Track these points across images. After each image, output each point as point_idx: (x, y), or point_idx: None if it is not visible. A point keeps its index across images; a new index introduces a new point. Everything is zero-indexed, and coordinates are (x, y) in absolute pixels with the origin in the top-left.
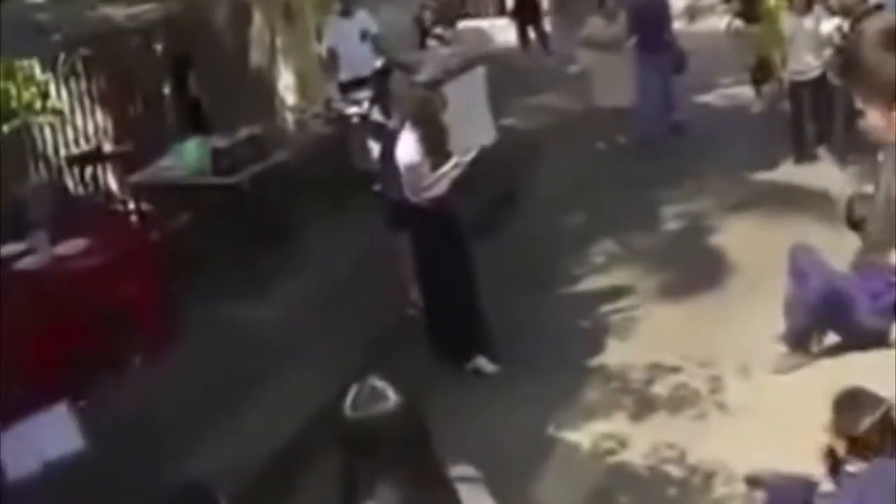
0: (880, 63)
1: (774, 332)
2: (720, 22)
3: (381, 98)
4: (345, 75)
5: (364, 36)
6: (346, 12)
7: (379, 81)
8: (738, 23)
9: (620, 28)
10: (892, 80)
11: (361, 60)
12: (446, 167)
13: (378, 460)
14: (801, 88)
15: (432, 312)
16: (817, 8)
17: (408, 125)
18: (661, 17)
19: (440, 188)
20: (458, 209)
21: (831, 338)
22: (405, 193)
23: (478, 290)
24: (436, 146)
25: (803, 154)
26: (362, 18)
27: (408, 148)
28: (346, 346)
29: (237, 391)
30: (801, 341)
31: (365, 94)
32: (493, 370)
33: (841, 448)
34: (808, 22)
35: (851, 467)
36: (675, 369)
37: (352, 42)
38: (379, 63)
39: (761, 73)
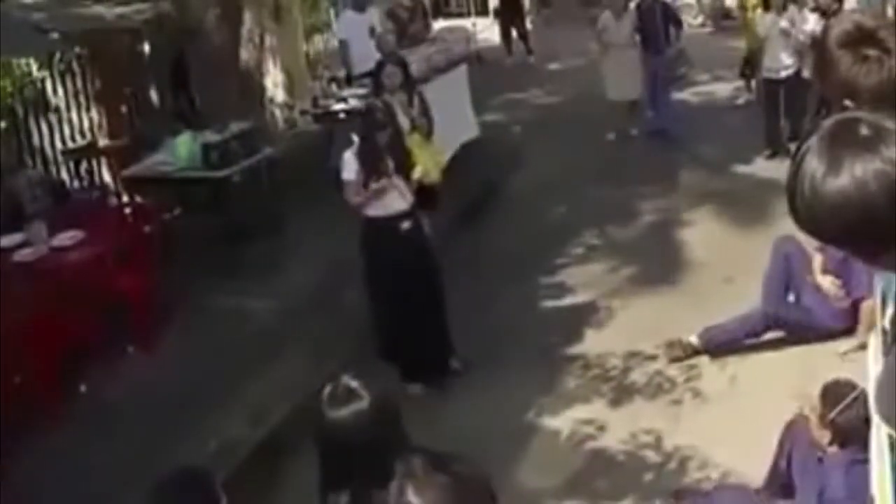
0: (836, 60)
1: None
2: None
3: (378, 92)
4: (353, 70)
5: (372, 31)
6: (360, 7)
7: (375, 77)
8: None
9: (629, 25)
10: (847, 78)
11: (370, 54)
12: (380, 184)
13: (350, 459)
14: (776, 85)
15: (383, 335)
16: (791, 7)
17: (355, 136)
18: (663, 18)
19: (380, 208)
20: (413, 230)
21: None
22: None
23: (433, 311)
24: (374, 162)
25: (777, 149)
26: (373, 14)
27: (346, 161)
28: (333, 337)
29: (227, 379)
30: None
31: (352, 91)
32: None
33: (825, 437)
34: (783, 21)
35: (834, 455)
36: (652, 357)
37: (363, 37)
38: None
39: (748, 67)
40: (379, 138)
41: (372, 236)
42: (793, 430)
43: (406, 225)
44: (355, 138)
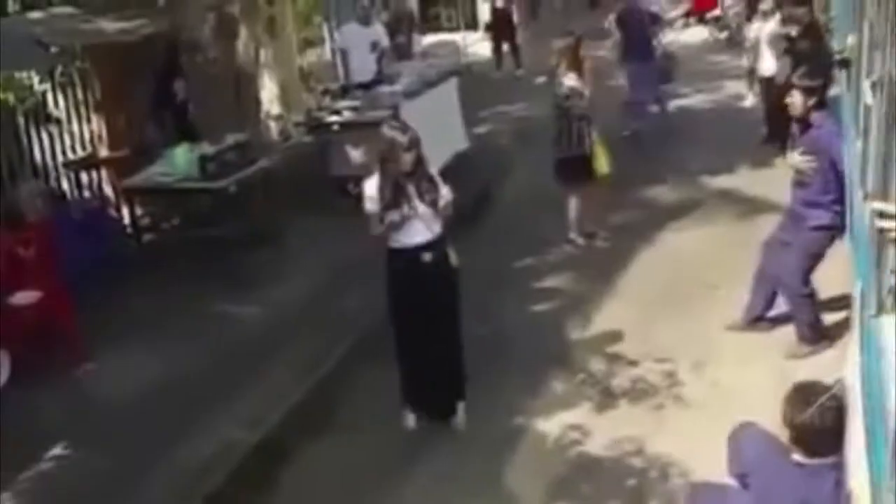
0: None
1: (734, 333)
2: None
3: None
4: (350, 80)
5: (374, 46)
6: (365, 21)
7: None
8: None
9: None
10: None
11: (366, 68)
12: (398, 215)
13: None
14: (769, 84)
15: (404, 364)
16: (776, 16)
17: (371, 168)
18: (648, 26)
19: (409, 236)
20: (438, 259)
21: (786, 333)
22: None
23: (457, 341)
24: (394, 189)
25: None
26: (377, 30)
27: (367, 190)
28: (326, 344)
29: (224, 384)
30: (757, 311)
31: (346, 103)
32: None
33: (786, 437)
34: (768, 27)
35: (797, 456)
36: (634, 363)
37: (363, 49)
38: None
39: (751, 73)
40: (398, 165)
41: (393, 268)
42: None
43: (427, 258)
44: (369, 163)
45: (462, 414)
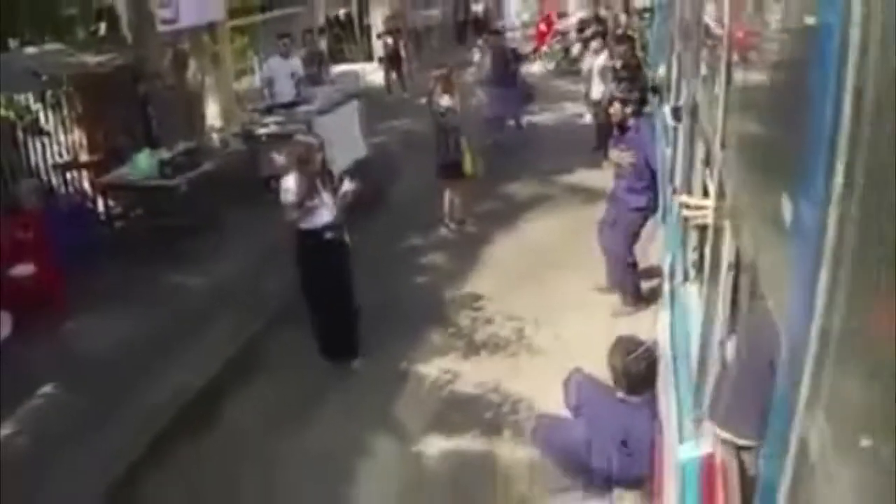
0: None
1: (575, 295)
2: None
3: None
4: (275, 101)
5: (293, 75)
6: (285, 55)
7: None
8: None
9: (487, 64)
10: None
11: (287, 92)
12: (313, 203)
13: None
14: (598, 105)
15: (314, 319)
16: (606, 52)
17: (292, 169)
18: (511, 59)
19: (317, 220)
20: (336, 238)
21: (613, 297)
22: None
23: (352, 300)
24: (309, 185)
25: (598, 157)
26: (295, 62)
27: (287, 188)
28: (255, 308)
29: (175, 340)
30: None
31: (275, 118)
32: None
33: (611, 378)
34: (598, 61)
35: (620, 394)
36: (491, 321)
37: (284, 77)
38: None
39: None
40: (311, 166)
41: (304, 245)
42: (584, 378)
43: (329, 236)
44: (288, 166)
45: (360, 359)
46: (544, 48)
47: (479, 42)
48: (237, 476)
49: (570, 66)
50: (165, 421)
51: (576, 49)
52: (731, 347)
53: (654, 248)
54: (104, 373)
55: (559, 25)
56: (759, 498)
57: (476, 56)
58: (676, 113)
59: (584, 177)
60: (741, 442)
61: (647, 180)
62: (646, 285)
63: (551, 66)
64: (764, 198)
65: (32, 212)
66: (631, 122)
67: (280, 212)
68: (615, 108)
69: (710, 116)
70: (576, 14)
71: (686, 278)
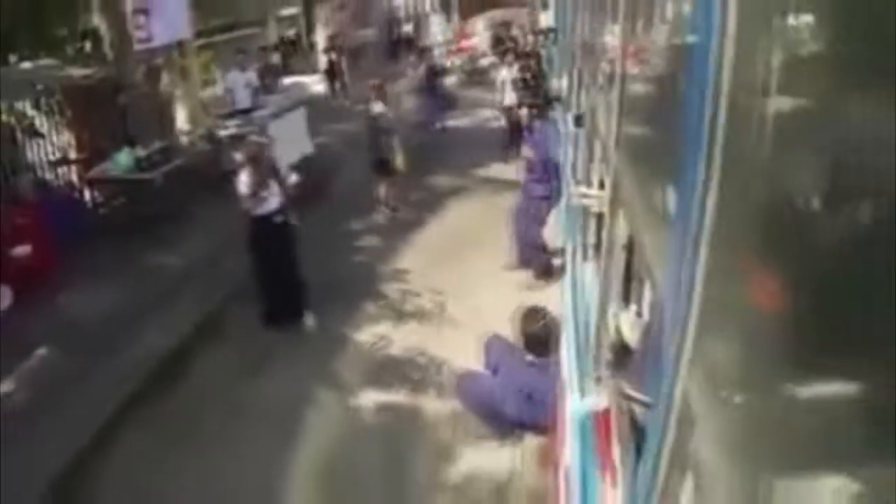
0: None
1: (490, 272)
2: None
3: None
4: (234, 107)
5: (249, 85)
6: (243, 69)
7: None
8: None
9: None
10: None
11: (244, 100)
12: (264, 193)
13: None
14: (509, 112)
15: (266, 291)
16: (516, 65)
17: (246, 165)
18: (436, 73)
19: (267, 207)
20: (283, 221)
21: (526, 274)
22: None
23: (299, 273)
24: (260, 178)
25: (508, 154)
26: (251, 75)
27: (242, 181)
28: (218, 284)
29: (149, 310)
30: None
31: (236, 122)
32: (313, 324)
33: (521, 343)
34: (509, 73)
35: (528, 357)
36: (419, 294)
37: (240, 88)
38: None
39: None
40: (263, 162)
41: (257, 228)
42: (499, 341)
43: (279, 219)
44: (243, 162)
45: (310, 320)
46: (458, 62)
47: (412, 58)
48: (202, 418)
49: (480, 78)
50: (143, 374)
51: (485, 62)
52: (624, 319)
53: (552, 230)
54: (91, 335)
55: (471, 43)
56: (647, 444)
57: (409, 70)
58: (578, 120)
59: (496, 171)
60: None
61: (549, 173)
62: (553, 262)
63: (464, 77)
64: (649, 188)
65: (30, 201)
66: (535, 124)
67: (237, 201)
68: (523, 113)
69: (606, 120)
70: (482, 35)
71: (585, 258)
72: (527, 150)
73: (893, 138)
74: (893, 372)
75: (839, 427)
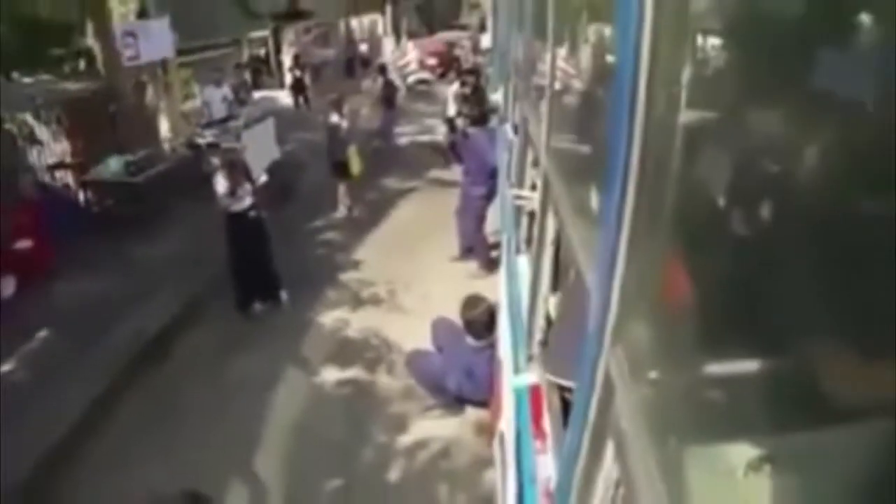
0: None
1: (437, 263)
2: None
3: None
4: (211, 118)
5: (224, 99)
6: (218, 84)
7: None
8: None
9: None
10: None
11: (220, 111)
12: (239, 192)
13: None
14: (452, 121)
15: (240, 277)
16: (459, 81)
17: (222, 168)
18: (393, 89)
19: (241, 204)
20: (256, 216)
21: (470, 264)
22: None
23: (270, 260)
24: (235, 179)
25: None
26: (226, 90)
27: (219, 183)
28: (198, 274)
29: (136, 297)
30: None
31: (213, 131)
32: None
33: (462, 326)
34: (453, 87)
35: (469, 339)
36: (373, 283)
37: (217, 101)
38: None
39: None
40: (237, 166)
41: (233, 223)
42: (445, 324)
43: (252, 214)
44: (220, 166)
45: (285, 296)
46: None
47: (372, 74)
48: (183, 394)
49: (426, 89)
50: (130, 355)
51: (426, 76)
52: (553, 304)
53: (491, 226)
54: (85, 320)
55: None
56: (573, 414)
57: (365, 84)
58: (516, 128)
59: (440, 174)
60: (563, 382)
61: (485, 174)
62: (493, 255)
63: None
64: (576, 189)
65: (31, 200)
66: (471, 131)
67: (215, 200)
68: (460, 121)
69: (538, 129)
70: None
71: (519, 251)
72: (465, 155)
73: (786, 146)
74: (792, 351)
75: (744, 399)
